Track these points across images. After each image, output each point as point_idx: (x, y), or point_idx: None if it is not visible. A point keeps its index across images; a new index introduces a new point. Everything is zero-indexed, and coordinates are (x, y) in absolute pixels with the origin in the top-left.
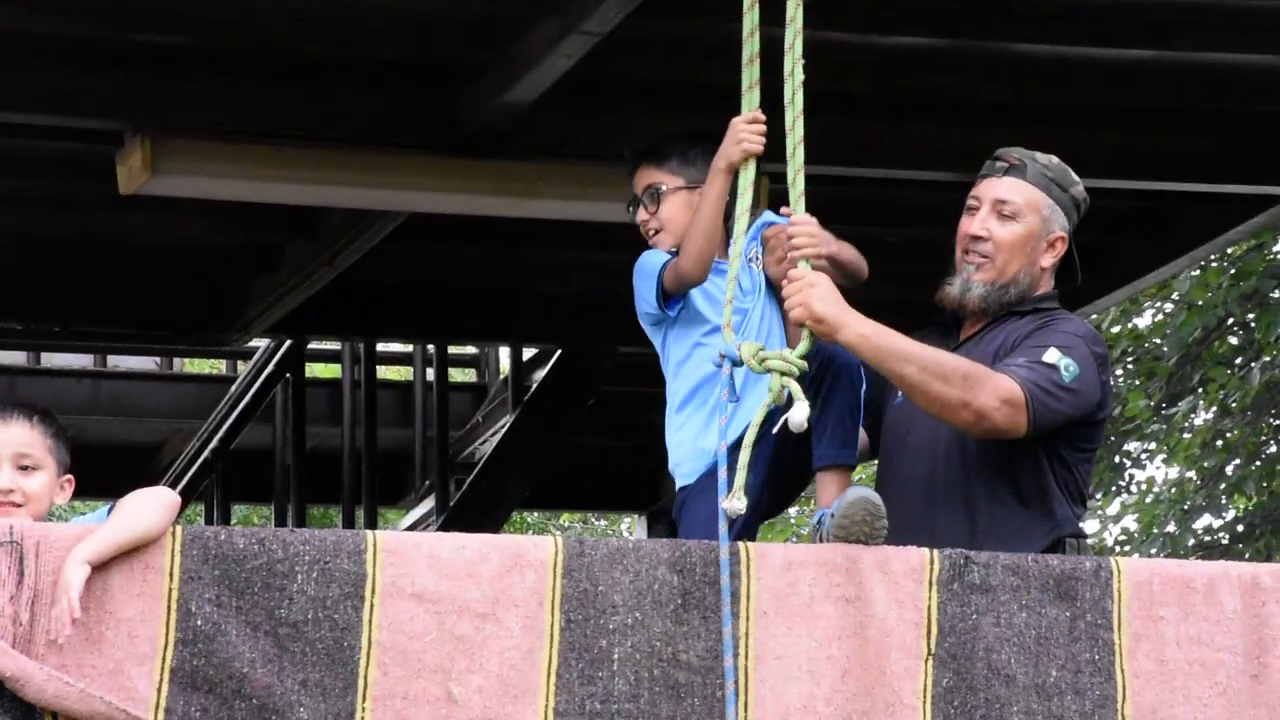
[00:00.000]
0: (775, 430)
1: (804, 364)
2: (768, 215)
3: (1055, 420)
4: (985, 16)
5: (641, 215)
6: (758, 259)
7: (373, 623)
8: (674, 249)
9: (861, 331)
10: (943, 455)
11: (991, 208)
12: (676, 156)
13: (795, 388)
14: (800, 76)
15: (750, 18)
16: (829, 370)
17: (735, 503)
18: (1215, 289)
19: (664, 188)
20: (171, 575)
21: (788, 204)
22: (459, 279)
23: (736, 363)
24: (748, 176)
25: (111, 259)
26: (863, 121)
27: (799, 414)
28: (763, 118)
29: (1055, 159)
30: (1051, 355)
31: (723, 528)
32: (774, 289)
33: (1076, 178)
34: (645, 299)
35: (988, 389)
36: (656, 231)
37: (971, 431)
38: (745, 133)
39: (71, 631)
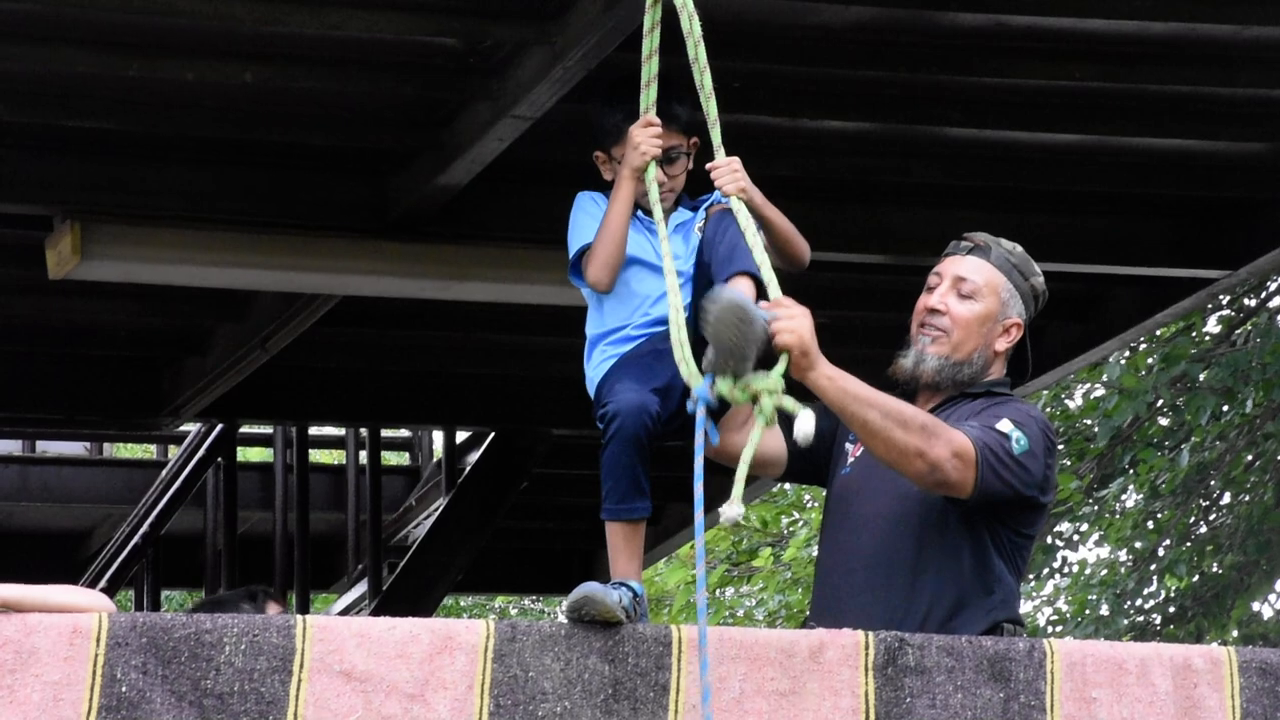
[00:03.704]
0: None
1: (783, 383)
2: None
3: (999, 488)
4: (914, 101)
5: (667, 173)
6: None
7: (299, 698)
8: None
9: (829, 374)
10: (888, 530)
11: (952, 284)
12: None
13: (789, 402)
14: (699, 33)
15: (652, 14)
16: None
17: (734, 509)
18: (1145, 373)
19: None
20: (99, 641)
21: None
22: (391, 362)
23: (713, 406)
24: (650, 174)
25: (40, 343)
26: (792, 204)
27: (806, 424)
28: (656, 121)
29: (1019, 248)
30: (1005, 425)
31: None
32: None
33: (1038, 269)
34: (570, 258)
35: (943, 440)
36: (670, 192)
37: (922, 482)
38: (643, 139)
39: None
